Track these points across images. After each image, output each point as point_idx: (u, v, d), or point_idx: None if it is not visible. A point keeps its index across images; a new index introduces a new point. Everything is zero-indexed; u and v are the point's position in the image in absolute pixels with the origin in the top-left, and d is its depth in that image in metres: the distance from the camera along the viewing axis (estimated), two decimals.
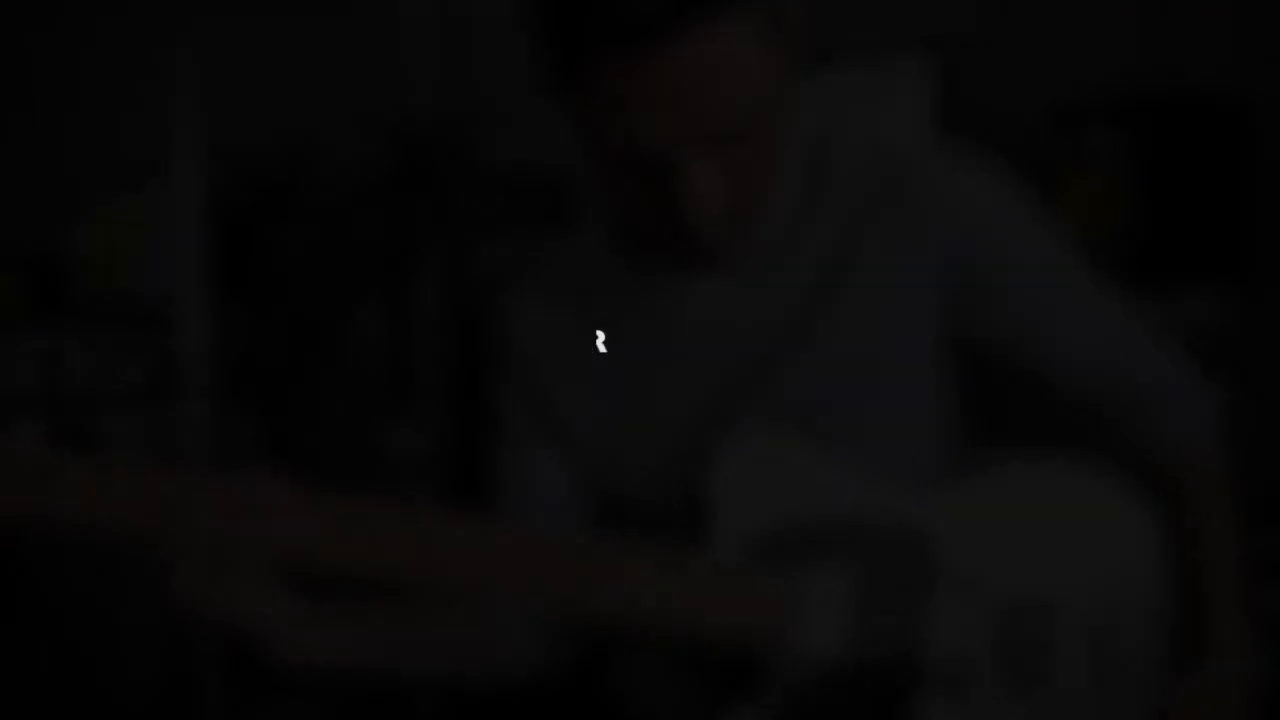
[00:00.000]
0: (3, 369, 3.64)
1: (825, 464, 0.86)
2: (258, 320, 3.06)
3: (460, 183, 2.88)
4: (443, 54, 3.17)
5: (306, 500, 0.77)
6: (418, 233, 2.94)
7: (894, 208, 0.86)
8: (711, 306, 0.89)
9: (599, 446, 0.93)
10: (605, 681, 1.02)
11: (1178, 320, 1.62)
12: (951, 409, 0.95)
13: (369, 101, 3.13)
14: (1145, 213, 1.55)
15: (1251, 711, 0.87)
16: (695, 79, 0.69)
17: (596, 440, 0.93)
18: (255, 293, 3.11)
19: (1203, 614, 0.90)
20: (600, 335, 0.93)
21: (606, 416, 0.93)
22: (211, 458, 2.80)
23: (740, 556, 0.81)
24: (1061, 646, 0.88)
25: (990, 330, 0.90)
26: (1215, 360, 1.70)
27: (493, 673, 0.93)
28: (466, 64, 3.04)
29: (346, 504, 0.77)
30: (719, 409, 0.89)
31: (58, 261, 3.54)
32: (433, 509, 0.79)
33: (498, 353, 0.98)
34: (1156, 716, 0.89)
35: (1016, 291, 0.89)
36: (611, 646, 1.03)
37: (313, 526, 0.76)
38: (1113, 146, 1.58)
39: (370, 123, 2.99)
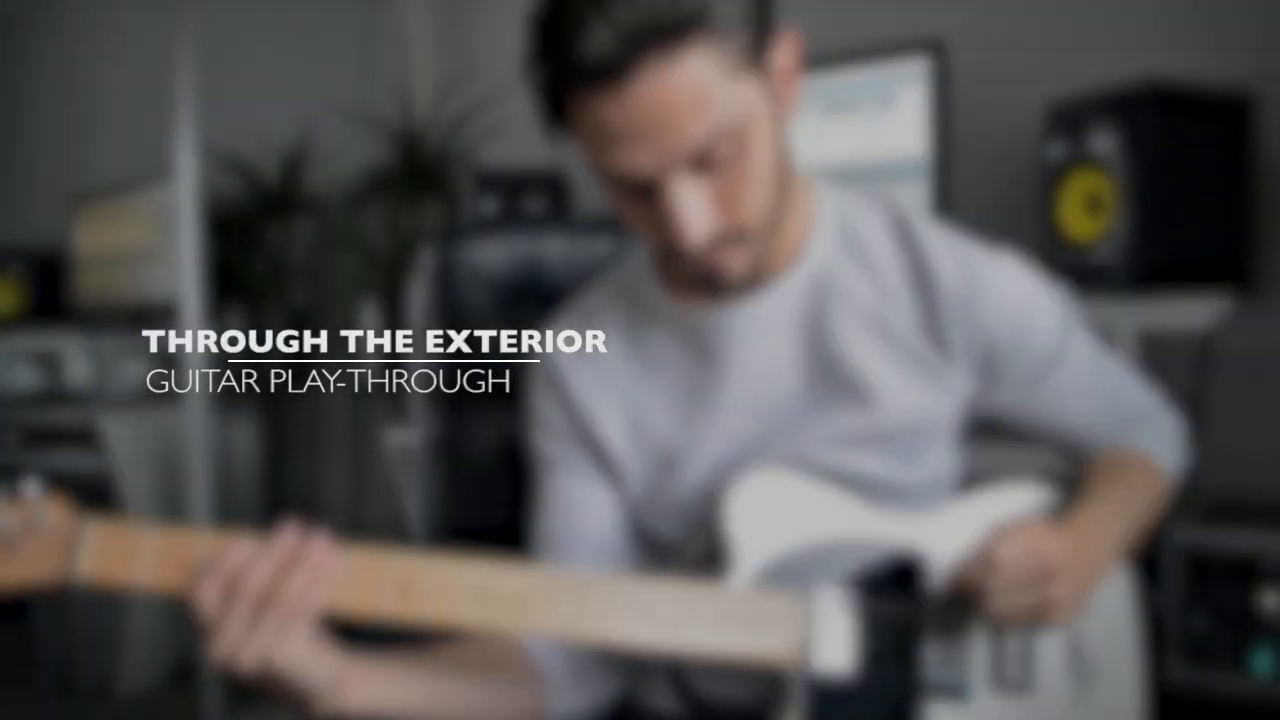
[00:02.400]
0: (2, 369, 3.64)
1: (829, 497, 0.91)
2: (258, 320, 3.06)
3: (460, 183, 2.88)
4: (443, 54, 3.17)
5: (342, 553, 0.77)
6: (418, 233, 2.94)
7: (923, 288, 0.93)
8: (754, 347, 0.94)
9: (641, 485, 0.97)
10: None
11: (1177, 321, 1.62)
12: (956, 461, 1.03)
13: (369, 101, 3.13)
14: (1145, 213, 1.55)
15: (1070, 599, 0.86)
16: (660, 109, 0.75)
17: (639, 478, 0.97)
18: (255, 293, 3.11)
19: (1075, 506, 0.94)
20: (643, 371, 0.97)
21: (647, 455, 0.97)
22: (211, 458, 2.80)
23: (756, 584, 0.86)
24: (1043, 658, 0.93)
25: (1001, 402, 0.99)
26: (1215, 360, 1.70)
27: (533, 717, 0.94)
28: (466, 64, 3.05)
29: (380, 554, 0.78)
30: (745, 453, 0.94)
31: (58, 261, 3.55)
32: (453, 551, 0.81)
33: (545, 386, 1.00)
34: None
35: (1026, 374, 0.97)
36: (638, 683, 1.06)
37: (348, 578, 0.77)
38: (1112, 146, 1.57)
39: (370, 123, 2.99)
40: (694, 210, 0.79)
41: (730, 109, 0.77)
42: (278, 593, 0.74)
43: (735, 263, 0.85)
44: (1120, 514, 0.94)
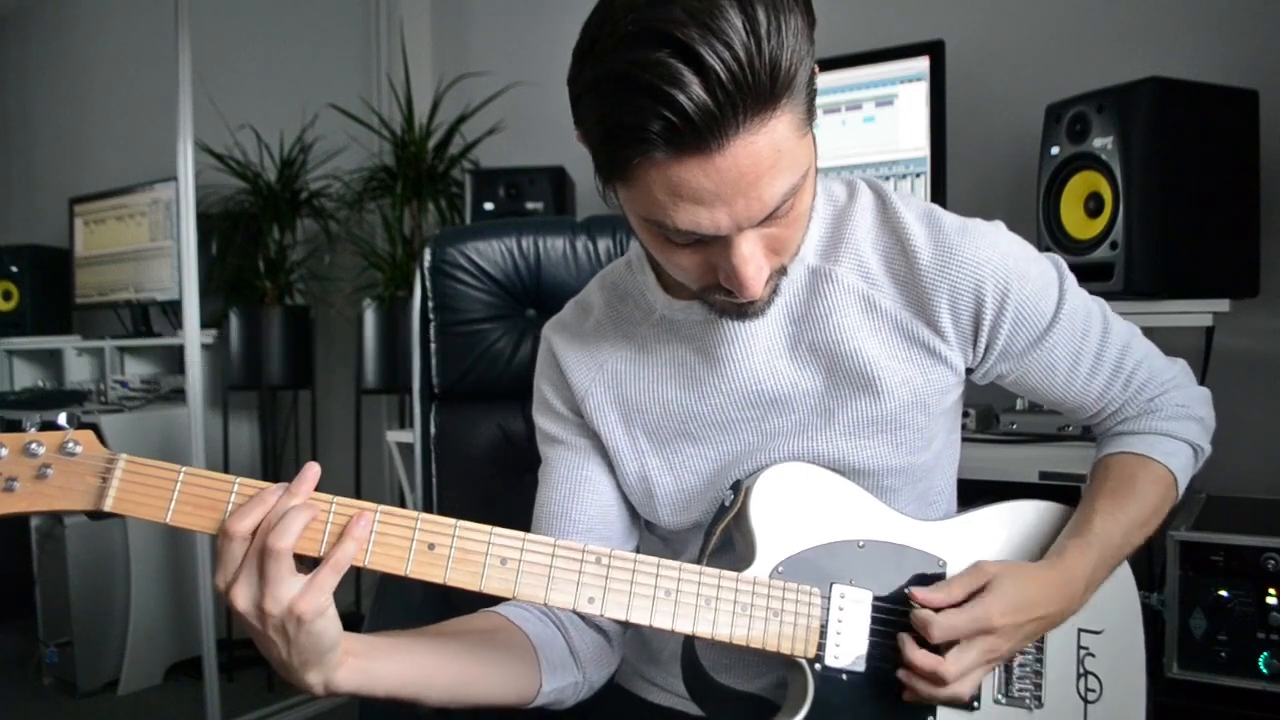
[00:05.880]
0: (2, 369, 3.64)
1: (850, 494, 0.92)
2: (257, 321, 3.06)
3: (460, 183, 2.88)
4: (443, 54, 3.17)
5: (372, 509, 0.78)
6: (417, 232, 2.94)
7: (903, 266, 0.93)
8: (750, 340, 0.95)
9: (635, 470, 0.99)
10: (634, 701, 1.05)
11: (1178, 321, 1.61)
12: (955, 445, 1.03)
13: (369, 101, 3.13)
14: (1145, 213, 1.54)
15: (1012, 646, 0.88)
16: (745, 174, 0.73)
17: (633, 464, 0.99)
18: (255, 293, 3.10)
19: (1065, 539, 0.94)
20: (639, 364, 0.99)
21: (641, 442, 0.99)
22: (211, 457, 2.80)
23: (776, 576, 0.87)
24: (1049, 666, 0.94)
25: (1003, 372, 0.98)
26: (1215, 360, 1.69)
27: (537, 697, 0.94)
28: (466, 64, 3.05)
29: (408, 515, 0.79)
30: (747, 446, 0.96)
31: (58, 261, 3.55)
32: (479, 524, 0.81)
33: (546, 373, 1.03)
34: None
35: (1020, 339, 0.95)
36: (649, 672, 1.07)
37: (377, 535, 0.78)
38: (1112, 146, 1.57)
39: (370, 123, 2.99)
40: (755, 265, 0.79)
41: (800, 168, 0.76)
42: (287, 541, 0.74)
43: (766, 291, 0.85)
44: (1109, 557, 0.94)
